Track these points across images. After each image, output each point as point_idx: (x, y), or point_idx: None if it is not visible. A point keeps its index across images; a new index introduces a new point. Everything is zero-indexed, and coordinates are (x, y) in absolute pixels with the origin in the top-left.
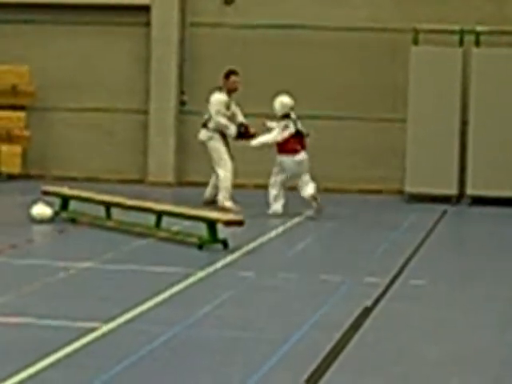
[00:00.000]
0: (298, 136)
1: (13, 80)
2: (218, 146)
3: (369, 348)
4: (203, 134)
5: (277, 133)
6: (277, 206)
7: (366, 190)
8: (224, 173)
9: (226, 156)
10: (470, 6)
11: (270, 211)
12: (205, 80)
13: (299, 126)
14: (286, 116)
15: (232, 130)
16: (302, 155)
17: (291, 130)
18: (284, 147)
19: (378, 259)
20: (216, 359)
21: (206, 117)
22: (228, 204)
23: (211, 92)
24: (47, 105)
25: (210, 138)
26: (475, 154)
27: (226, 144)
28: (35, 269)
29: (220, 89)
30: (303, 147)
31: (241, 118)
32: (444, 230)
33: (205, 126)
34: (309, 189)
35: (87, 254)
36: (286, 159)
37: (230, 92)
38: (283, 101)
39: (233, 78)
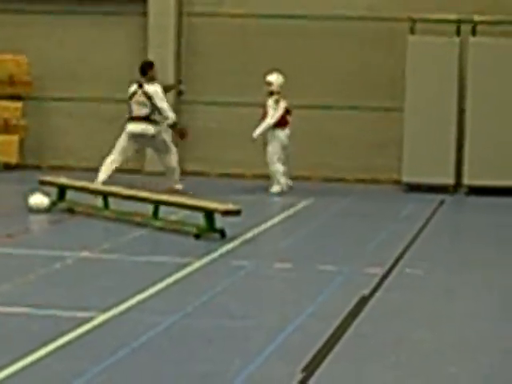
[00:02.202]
0: (288, 112)
1: (10, 69)
2: (165, 137)
3: (366, 337)
4: (151, 129)
5: (271, 116)
6: (283, 181)
7: (364, 179)
8: (174, 157)
9: (170, 142)
10: None
11: (277, 187)
12: (202, 70)
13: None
14: (272, 93)
15: (172, 116)
16: (289, 129)
17: (283, 104)
18: (280, 120)
19: (376, 249)
20: (213, 348)
21: (146, 111)
22: (179, 186)
23: (140, 84)
24: (44, 94)
25: (159, 132)
26: (472, 144)
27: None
28: (32, 258)
29: (151, 79)
30: (289, 123)
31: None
32: (441, 219)
33: (147, 119)
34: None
35: (84, 244)
36: (278, 131)
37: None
38: (279, 78)
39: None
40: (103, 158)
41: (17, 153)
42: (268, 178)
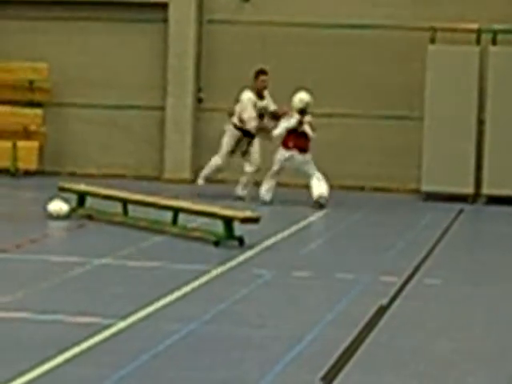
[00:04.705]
0: (298, 135)
1: (30, 76)
2: (225, 139)
3: (384, 346)
4: (226, 126)
5: (281, 125)
6: (265, 195)
7: (383, 188)
8: (216, 158)
9: (226, 148)
10: (487, 5)
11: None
12: (222, 77)
13: (306, 127)
14: (301, 112)
15: (252, 125)
16: (291, 152)
17: (290, 124)
18: (282, 140)
19: (394, 258)
20: (232, 356)
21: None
22: (200, 181)
23: (241, 90)
24: (64, 101)
25: (226, 131)
26: (492, 153)
27: (239, 141)
28: (51, 265)
29: (251, 87)
30: (298, 147)
31: (272, 108)
32: (460, 228)
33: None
34: (317, 189)
35: (103, 251)
36: (279, 150)
37: (258, 90)
38: (301, 96)
39: (261, 77)
40: (122, 165)
41: (36, 159)
42: (285, 185)
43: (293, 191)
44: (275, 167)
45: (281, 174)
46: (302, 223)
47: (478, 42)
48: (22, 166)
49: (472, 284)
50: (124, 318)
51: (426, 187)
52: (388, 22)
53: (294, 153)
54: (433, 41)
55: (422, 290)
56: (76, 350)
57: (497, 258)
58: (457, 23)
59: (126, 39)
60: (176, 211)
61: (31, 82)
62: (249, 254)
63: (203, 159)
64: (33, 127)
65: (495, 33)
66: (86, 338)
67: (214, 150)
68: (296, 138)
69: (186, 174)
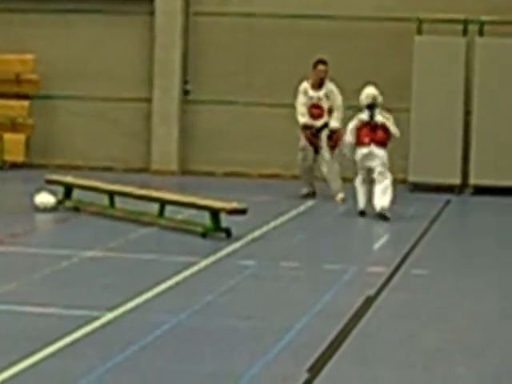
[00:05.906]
0: (372, 127)
1: (17, 68)
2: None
3: (371, 337)
4: None
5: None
6: (360, 204)
7: None
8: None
9: (301, 143)
10: None
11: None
12: (208, 69)
13: (378, 118)
14: (370, 106)
15: (300, 119)
16: (369, 148)
17: (358, 120)
18: (356, 138)
19: (381, 248)
20: (219, 348)
21: None
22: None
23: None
24: (51, 93)
25: None
26: (478, 144)
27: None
28: (38, 257)
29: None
30: (376, 141)
31: (332, 124)
32: (447, 219)
33: None
34: (380, 200)
35: (90, 243)
36: (356, 150)
37: (315, 80)
38: (367, 92)
39: (319, 67)
40: (109, 158)
41: (23, 152)
42: (272, 176)
43: (281, 182)
44: (360, 173)
45: (366, 177)
46: (290, 215)
47: (465, 32)
48: (8, 158)
49: (459, 274)
50: (112, 309)
51: (413, 178)
52: (375, 14)
53: (372, 148)
54: (420, 32)
55: (409, 280)
56: (64, 341)
57: (483, 248)
58: (443, 14)
59: (112, 31)
60: (163, 203)
61: (18, 74)
62: (236, 245)
63: (190, 151)
64: (20, 119)
65: (482, 24)
66: (73, 330)
67: (201, 142)
68: (370, 132)
69: (174, 166)
